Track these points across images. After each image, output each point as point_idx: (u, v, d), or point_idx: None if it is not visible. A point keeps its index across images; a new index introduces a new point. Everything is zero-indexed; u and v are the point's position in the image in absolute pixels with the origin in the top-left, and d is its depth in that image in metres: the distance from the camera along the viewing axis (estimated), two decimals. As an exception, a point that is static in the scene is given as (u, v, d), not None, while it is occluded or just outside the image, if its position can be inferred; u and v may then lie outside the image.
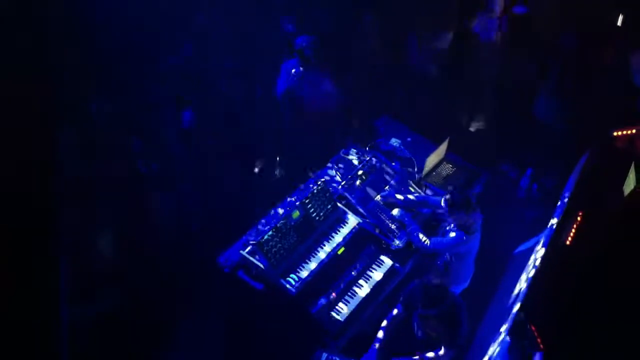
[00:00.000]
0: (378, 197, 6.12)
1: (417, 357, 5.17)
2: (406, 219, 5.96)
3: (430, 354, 5.17)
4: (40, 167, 2.78)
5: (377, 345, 5.25)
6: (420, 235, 5.79)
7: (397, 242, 5.86)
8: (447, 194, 5.65)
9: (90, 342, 5.20)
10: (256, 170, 7.72)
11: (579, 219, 5.67)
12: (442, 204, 5.67)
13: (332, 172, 6.30)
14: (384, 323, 5.35)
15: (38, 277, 2.73)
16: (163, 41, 7.09)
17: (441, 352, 5.17)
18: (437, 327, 5.20)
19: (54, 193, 2.81)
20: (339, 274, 5.62)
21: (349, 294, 5.57)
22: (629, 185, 5.68)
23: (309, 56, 6.70)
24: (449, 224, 5.75)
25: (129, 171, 6.66)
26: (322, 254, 5.63)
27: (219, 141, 7.12)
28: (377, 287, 5.68)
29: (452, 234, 5.67)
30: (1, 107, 2.85)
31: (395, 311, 5.36)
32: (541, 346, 4.73)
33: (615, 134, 6.28)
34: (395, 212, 6.01)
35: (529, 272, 5.61)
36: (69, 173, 5.91)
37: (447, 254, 5.85)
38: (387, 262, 5.81)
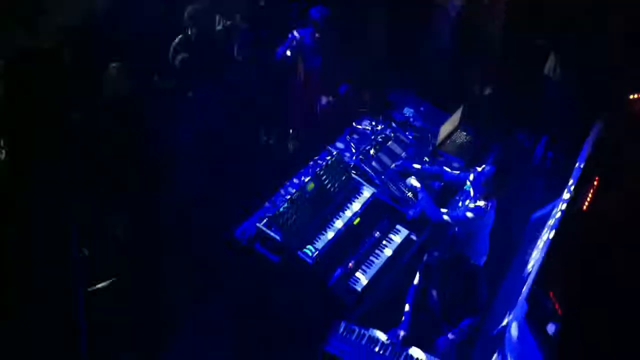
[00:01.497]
0: (393, 166, 6.10)
1: (450, 335, 5.20)
2: (419, 189, 5.92)
3: (456, 332, 5.20)
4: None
5: (407, 318, 5.28)
6: (445, 212, 5.74)
7: (412, 211, 5.84)
8: (486, 165, 5.51)
9: (107, 320, 5.23)
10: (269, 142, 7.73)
11: (595, 184, 5.64)
12: (476, 174, 5.53)
13: (346, 143, 6.29)
14: (408, 297, 5.36)
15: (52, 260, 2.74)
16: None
17: (464, 327, 5.20)
18: (456, 296, 5.22)
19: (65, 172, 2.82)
20: (356, 244, 5.63)
21: (366, 263, 5.58)
22: (646, 148, 5.64)
23: (323, 27, 6.61)
24: (467, 198, 5.70)
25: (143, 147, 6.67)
26: (338, 225, 5.64)
27: (231, 118, 7.12)
28: (394, 257, 5.68)
29: (469, 213, 5.56)
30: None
31: (414, 283, 5.38)
32: (559, 312, 4.73)
33: (631, 97, 6.23)
34: (409, 181, 5.98)
35: (546, 238, 5.59)
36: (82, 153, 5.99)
37: (457, 228, 5.76)
38: (403, 231, 5.80)
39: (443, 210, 5.66)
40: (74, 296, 2.72)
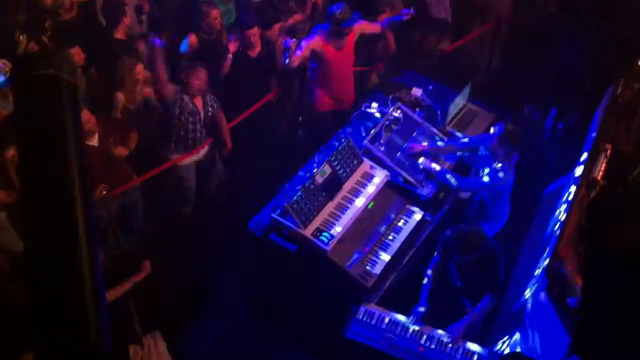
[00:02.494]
0: (402, 149, 6.08)
1: (473, 314, 5.21)
2: (432, 165, 5.91)
3: (478, 309, 5.21)
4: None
5: (425, 293, 5.29)
6: (449, 176, 5.77)
7: (425, 191, 5.83)
8: (496, 125, 5.61)
9: (126, 308, 5.28)
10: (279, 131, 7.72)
11: (608, 152, 5.60)
12: (495, 129, 5.59)
13: (356, 127, 6.27)
14: (429, 272, 5.37)
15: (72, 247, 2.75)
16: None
17: (486, 303, 5.20)
18: (476, 272, 5.23)
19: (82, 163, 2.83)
20: (371, 227, 5.61)
21: (382, 246, 5.56)
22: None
23: (340, 24, 6.53)
24: (486, 165, 5.71)
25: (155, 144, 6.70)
26: (352, 210, 5.61)
27: (240, 108, 7.12)
28: (410, 238, 5.66)
29: (500, 173, 5.61)
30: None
31: (434, 259, 5.39)
32: (578, 284, 4.71)
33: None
34: (421, 160, 5.96)
35: (562, 211, 5.57)
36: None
37: (481, 193, 5.84)
38: (418, 212, 5.78)
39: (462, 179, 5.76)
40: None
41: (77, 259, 2.67)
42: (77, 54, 6.31)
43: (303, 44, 6.59)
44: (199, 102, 6.43)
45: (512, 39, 8.41)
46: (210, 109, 6.55)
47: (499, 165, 5.59)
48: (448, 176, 5.79)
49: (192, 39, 6.95)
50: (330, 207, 5.58)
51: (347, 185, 5.74)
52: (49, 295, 2.67)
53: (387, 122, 6.12)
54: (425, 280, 5.35)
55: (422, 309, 5.22)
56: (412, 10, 6.68)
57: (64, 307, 2.67)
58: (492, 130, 5.66)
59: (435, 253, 5.42)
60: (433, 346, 5.08)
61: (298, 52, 6.51)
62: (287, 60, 6.47)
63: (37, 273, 2.70)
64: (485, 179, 5.64)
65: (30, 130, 2.76)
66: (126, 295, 5.20)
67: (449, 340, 5.09)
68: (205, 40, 7.01)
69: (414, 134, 6.20)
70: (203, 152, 6.78)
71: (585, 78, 7.51)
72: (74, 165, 2.73)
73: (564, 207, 5.60)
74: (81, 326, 2.67)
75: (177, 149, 6.58)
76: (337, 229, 5.47)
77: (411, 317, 5.20)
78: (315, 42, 6.62)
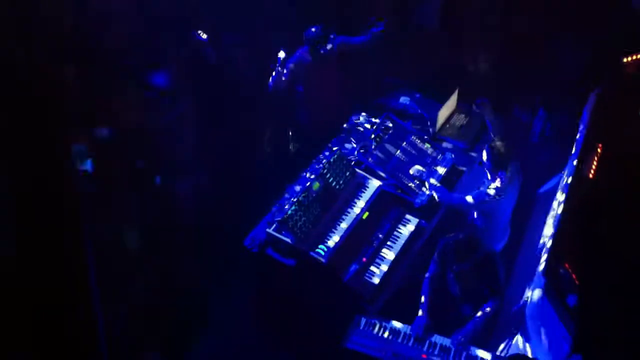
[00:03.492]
0: (397, 152, 6.07)
1: (476, 320, 5.19)
2: (425, 175, 5.92)
3: (481, 313, 5.20)
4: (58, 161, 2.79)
5: (425, 306, 5.27)
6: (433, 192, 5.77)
7: (419, 199, 5.84)
8: (488, 146, 5.47)
9: (123, 329, 5.26)
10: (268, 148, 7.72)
11: (599, 150, 5.63)
12: (484, 157, 5.48)
13: (346, 139, 6.29)
14: (424, 286, 5.36)
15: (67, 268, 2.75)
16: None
17: (488, 308, 5.19)
18: (474, 279, 5.22)
19: (75, 184, 2.84)
20: (367, 238, 5.63)
21: (379, 256, 5.58)
22: (645, 109, 5.63)
23: (318, 47, 6.56)
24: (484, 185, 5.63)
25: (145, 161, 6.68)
26: (347, 221, 5.64)
27: (230, 124, 7.12)
28: (406, 247, 5.69)
29: (469, 197, 5.52)
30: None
31: (429, 272, 5.37)
32: (576, 282, 4.72)
33: (625, 60, 6.21)
34: (412, 171, 5.97)
35: (557, 211, 5.58)
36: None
37: (474, 211, 5.68)
38: (413, 220, 5.81)
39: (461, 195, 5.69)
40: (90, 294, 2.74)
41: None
42: None
43: (289, 65, 6.61)
44: None
45: (499, 42, 8.44)
46: None
47: (493, 185, 5.49)
48: (432, 192, 5.78)
49: None
50: (325, 219, 5.60)
51: (341, 197, 5.75)
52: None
53: (377, 132, 6.15)
54: (422, 298, 5.34)
55: (422, 322, 5.21)
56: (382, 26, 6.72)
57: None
58: (484, 157, 5.53)
59: (432, 263, 5.41)
60: (436, 353, 5.07)
61: (283, 75, 6.55)
62: (273, 82, 6.51)
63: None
64: (468, 198, 5.51)
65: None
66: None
67: (454, 347, 5.08)
68: None
69: (404, 143, 6.21)
70: None
71: (573, 77, 7.54)
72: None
73: (557, 206, 5.62)
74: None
75: None
76: (334, 241, 5.48)
77: (412, 331, 5.18)
78: (298, 63, 6.64)
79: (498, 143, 5.44)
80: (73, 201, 2.72)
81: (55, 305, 2.73)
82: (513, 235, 6.28)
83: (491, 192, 5.44)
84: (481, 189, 5.55)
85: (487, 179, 5.57)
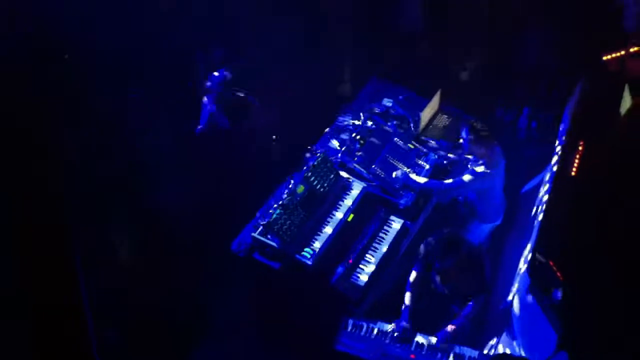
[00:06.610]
0: (381, 154, 6.13)
1: (461, 318, 5.22)
2: (410, 178, 5.96)
3: (465, 312, 5.23)
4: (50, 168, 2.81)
5: (406, 309, 5.29)
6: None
7: (404, 200, 5.86)
8: (462, 131, 5.74)
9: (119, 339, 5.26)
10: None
11: (580, 148, 5.67)
12: (463, 135, 5.73)
13: (329, 142, 6.30)
14: (407, 286, 5.39)
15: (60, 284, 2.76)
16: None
17: (473, 306, 5.22)
18: (460, 276, 5.24)
19: (66, 191, 2.85)
20: (353, 240, 5.65)
21: (365, 258, 5.59)
22: (625, 105, 5.67)
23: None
24: (467, 163, 5.84)
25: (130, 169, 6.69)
26: (332, 224, 5.65)
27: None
28: (392, 248, 5.70)
29: (467, 176, 5.74)
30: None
31: (413, 274, 5.40)
32: (561, 279, 4.75)
33: (605, 58, 6.26)
34: (395, 174, 5.99)
35: (540, 209, 5.62)
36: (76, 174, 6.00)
37: (468, 192, 5.93)
38: (398, 221, 5.82)
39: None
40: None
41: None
42: None
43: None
44: None
45: (481, 42, 8.47)
46: None
47: (478, 163, 5.70)
48: (412, 176, 5.93)
49: None
50: (310, 222, 5.61)
51: (326, 200, 5.77)
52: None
53: (361, 135, 6.17)
54: (406, 298, 5.37)
55: (403, 324, 5.23)
56: None
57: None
58: (462, 134, 5.76)
59: (415, 266, 5.43)
60: (424, 353, 5.09)
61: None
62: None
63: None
64: (449, 181, 5.82)
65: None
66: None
67: (439, 345, 5.10)
68: None
69: (388, 145, 6.23)
70: None
71: (555, 74, 7.59)
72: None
73: (540, 204, 5.65)
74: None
75: None
76: (319, 244, 5.50)
77: (394, 330, 5.21)
78: None
79: (478, 125, 5.71)
80: (63, 204, 2.74)
81: (48, 314, 2.74)
82: (499, 232, 6.33)
83: (479, 169, 5.65)
84: (469, 168, 5.76)
85: (471, 160, 5.75)
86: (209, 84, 6.96)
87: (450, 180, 5.83)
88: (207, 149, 7.03)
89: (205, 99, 6.97)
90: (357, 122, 6.40)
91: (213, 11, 7.51)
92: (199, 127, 6.96)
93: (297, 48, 7.45)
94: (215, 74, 6.96)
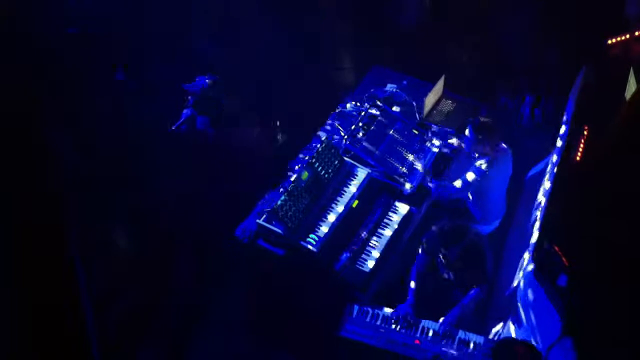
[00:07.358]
0: (385, 140, 6.11)
1: (464, 303, 5.23)
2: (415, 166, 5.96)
3: (469, 298, 5.24)
4: (44, 166, 2.80)
5: (411, 295, 5.30)
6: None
7: (408, 186, 5.86)
8: (471, 121, 5.73)
9: (118, 331, 5.27)
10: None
11: (585, 133, 5.66)
12: (467, 132, 5.70)
13: (333, 128, 6.29)
14: (412, 272, 5.39)
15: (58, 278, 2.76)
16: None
17: (475, 293, 5.23)
18: (465, 263, 5.25)
19: (61, 190, 2.84)
20: (357, 226, 5.65)
21: (370, 244, 5.60)
22: (630, 89, 5.65)
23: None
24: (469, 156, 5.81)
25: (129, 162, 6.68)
26: (337, 210, 5.65)
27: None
28: (397, 234, 5.70)
29: (458, 182, 5.75)
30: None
31: (418, 260, 5.41)
32: (566, 265, 4.75)
33: (609, 42, 6.23)
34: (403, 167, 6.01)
35: (544, 195, 5.61)
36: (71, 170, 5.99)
37: (466, 193, 5.89)
38: (403, 207, 5.82)
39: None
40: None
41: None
42: None
43: None
44: None
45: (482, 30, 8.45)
46: None
47: (480, 162, 5.68)
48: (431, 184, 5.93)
49: None
50: (315, 209, 5.61)
51: (330, 186, 5.76)
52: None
53: (365, 120, 6.15)
54: (412, 284, 5.38)
55: (408, 310, 5.24)
56: None
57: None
58: (466, 132, 5.74)
59: (419, 251, 5.44)
60: (429, 339, 5.10)
61: None
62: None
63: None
64: (457, 183, 5.78)
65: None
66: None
67: (443, 330, 5.12)
68: None
69: (392, 131, 6.22)
70: None
71: (559, 59, 7.56)
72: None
73: (545, 190, 5.64)
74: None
75: None
76: (324, 230, 5.50)
77: (398, 314, 5.22)
78: None
79: (483, 119, 5.70)
80: (60, 202, 2.73)
81: (47, 313, 2.74)
82: (504, 219, 6.32)
83: (483, 166, 5.64)
84: (472, 167, 5.74)
85: (473, 157, 5.72)
86: (191, 86, 6.97)
87: (458, 183, 5.80)
88: (206, 148, 7.05)
89: (189, 99, 6.98)
90: (361, 108, 6.39)
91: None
92: (173, 126, 6.92)
93: (296, 41, 7.45)
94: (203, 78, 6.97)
